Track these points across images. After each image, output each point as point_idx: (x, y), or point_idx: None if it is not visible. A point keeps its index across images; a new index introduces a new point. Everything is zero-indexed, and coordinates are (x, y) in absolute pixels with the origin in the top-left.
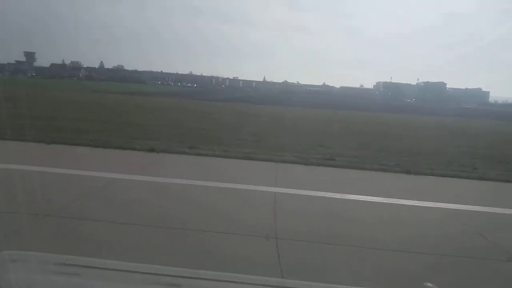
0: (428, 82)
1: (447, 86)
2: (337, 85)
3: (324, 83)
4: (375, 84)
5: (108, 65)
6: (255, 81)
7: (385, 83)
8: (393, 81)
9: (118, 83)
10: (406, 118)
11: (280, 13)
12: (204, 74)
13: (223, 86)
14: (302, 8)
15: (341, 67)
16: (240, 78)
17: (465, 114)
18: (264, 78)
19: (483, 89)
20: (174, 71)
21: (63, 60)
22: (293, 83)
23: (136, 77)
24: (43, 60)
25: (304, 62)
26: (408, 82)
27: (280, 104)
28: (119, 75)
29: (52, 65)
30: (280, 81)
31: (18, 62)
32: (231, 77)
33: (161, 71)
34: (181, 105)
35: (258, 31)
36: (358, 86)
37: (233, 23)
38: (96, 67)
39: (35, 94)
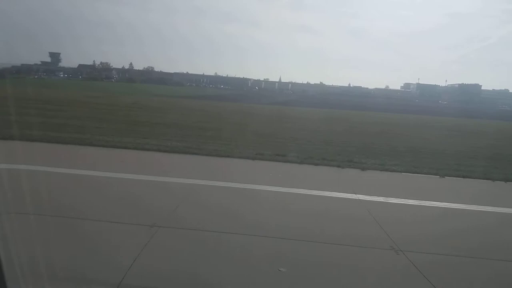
0: (463, 83)
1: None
2: (360, 85)
3: (349, 84)
4: (402, 85)
5: (136, 66)
6: (291, 83)
7: (419, 84)
8: (421, 82)
9: (159, 86)
10: (483, 123)
11: (283, 14)
12: (229, 75)
13: (256, 88)
14: (303, 7)
15: (359, 68)
16: (270, 79)
17: None
18: (280, 78)
19: (510, 90)
20: (200, 72)
21: (93, 61)
22: (320, 84)
23: (168, 79)
24: (66, 61)
25: (314, 62)
26: (434, 84)
27: (339, 107)
28: (153, 77)
29: (80, 65)
30: (295, 81)
31: (44, 63)
32: (261, 79)
33: (187, 72)
34: (290, 112)
35: (269, 34)
36: (383, 87)
37: (237, 23)
38: (120, 68)
39: (145, 102)
